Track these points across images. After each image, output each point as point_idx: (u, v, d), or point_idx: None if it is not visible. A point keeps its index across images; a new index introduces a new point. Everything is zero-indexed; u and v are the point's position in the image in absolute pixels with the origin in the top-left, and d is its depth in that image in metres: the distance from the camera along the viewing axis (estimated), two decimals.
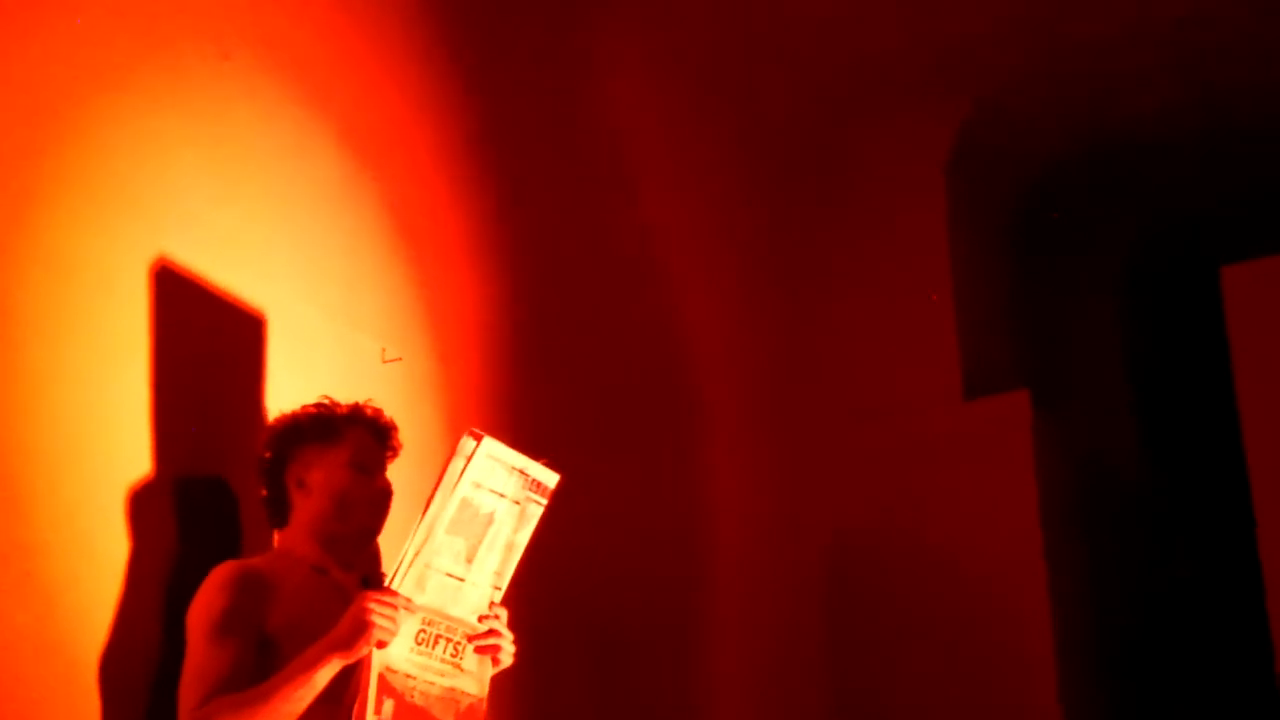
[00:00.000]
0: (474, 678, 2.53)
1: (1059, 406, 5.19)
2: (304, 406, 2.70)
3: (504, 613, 2.57)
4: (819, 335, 5.24)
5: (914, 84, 5.07)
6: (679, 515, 4.56)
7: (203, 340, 2.82)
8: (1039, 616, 4.69)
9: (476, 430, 2.45)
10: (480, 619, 2.52)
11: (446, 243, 3.72)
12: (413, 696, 2.40)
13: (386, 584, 2.38)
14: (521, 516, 2.56)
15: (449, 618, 2.47)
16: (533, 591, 2.60)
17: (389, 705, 2.36)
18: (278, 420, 2.72)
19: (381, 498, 2.65)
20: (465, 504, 2.44)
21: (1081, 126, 5.29)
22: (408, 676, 2.40)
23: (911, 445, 5.02)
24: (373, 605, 2.32)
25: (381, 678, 2.36)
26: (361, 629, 2.31)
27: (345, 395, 2.74)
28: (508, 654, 2.57)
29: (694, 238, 4.87)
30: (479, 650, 2.53)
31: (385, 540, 2.74)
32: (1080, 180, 5.52)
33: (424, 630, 2.43)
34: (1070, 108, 5.21)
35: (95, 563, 2.50)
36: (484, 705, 2.54)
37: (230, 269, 2.90)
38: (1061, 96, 5.14)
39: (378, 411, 2.71)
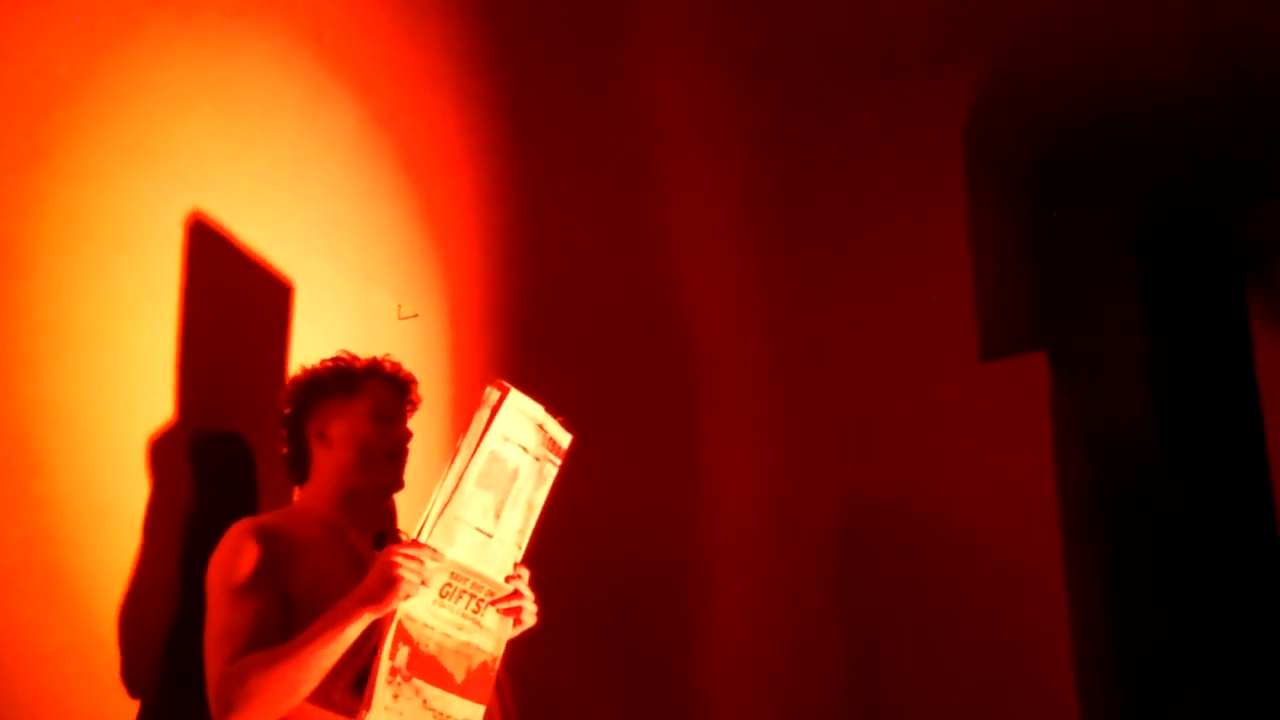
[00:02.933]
0: (492, 636, 2.52)
1: (1076, 369, 5.16)
2: (322, 361, 2.69)
3: (527, 573, 2.56)
4: (834, 299, 5.20)
5: (931, 46, 5.02)
6: (686, 484, 4.54)
7: (226, 298, 2.81)
8: (1053, 581, 4.66)
9: (502, 381, 2.42)
10: (506, 579, 2.52)
11: (459, 202, 3.70)
12: (427, 646, 2.40)
13: (415, 534, 2.36)
14: (540, 475, 2.54)
15: (476, 574, 2.46)
16: (535, 559, 2.59)
17: (404, 652, 2.36)
18: (297, 376, 2.71)
19: (402, 446, 2.65)
20: (494, 457, 2.42)
21: (1099, 87, 5.24)
22: (425, 626, 2.40)
23: (927, 408, 4.99)
24: (400, 559, 2.31)
25: (400, 624, 2.35)
26: (390, 583, 2.30)
27: (361, 351, 2.74)
28: (529, 615, 2.56)
29: (707, 204, 4.84)
30: (503, 611, 2.52)
31: (405, 498, 2.73)
32: (1098, 141, 5.47)
33: (450, 584, 2.42)
34: (1088, 68, 5.16)
35: (112, 517, 2.49)
36: (496, 665, 2.53)
37: (246, 224, 2.88)
38: (1079, 56, 5.09)
39: (396, 365, 2.71)
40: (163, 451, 2.59)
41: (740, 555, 4.68)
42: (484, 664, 2.50)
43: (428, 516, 2.36)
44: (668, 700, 4.26)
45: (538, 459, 2.51)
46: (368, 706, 2.31)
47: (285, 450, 2.67)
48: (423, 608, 2.38)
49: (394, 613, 2.34)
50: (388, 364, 2.70)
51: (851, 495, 5.03)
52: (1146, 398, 5.63)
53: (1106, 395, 5.49)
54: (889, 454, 5.02)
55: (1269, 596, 4.20)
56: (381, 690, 2.32)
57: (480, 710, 2.49)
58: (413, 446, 2.70)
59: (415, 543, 2.35)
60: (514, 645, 2.58)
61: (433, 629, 2.40)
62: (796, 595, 4.87)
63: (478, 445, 2.39)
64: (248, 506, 2.74)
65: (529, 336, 3.77)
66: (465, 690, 2.46)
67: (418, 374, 2.77)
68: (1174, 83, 5.09)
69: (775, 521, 4.88)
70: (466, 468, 2.38)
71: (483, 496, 2.43)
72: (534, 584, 2.58)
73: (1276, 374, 4.27)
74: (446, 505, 2.37)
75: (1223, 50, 4.94)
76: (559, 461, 2.57)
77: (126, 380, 2.56)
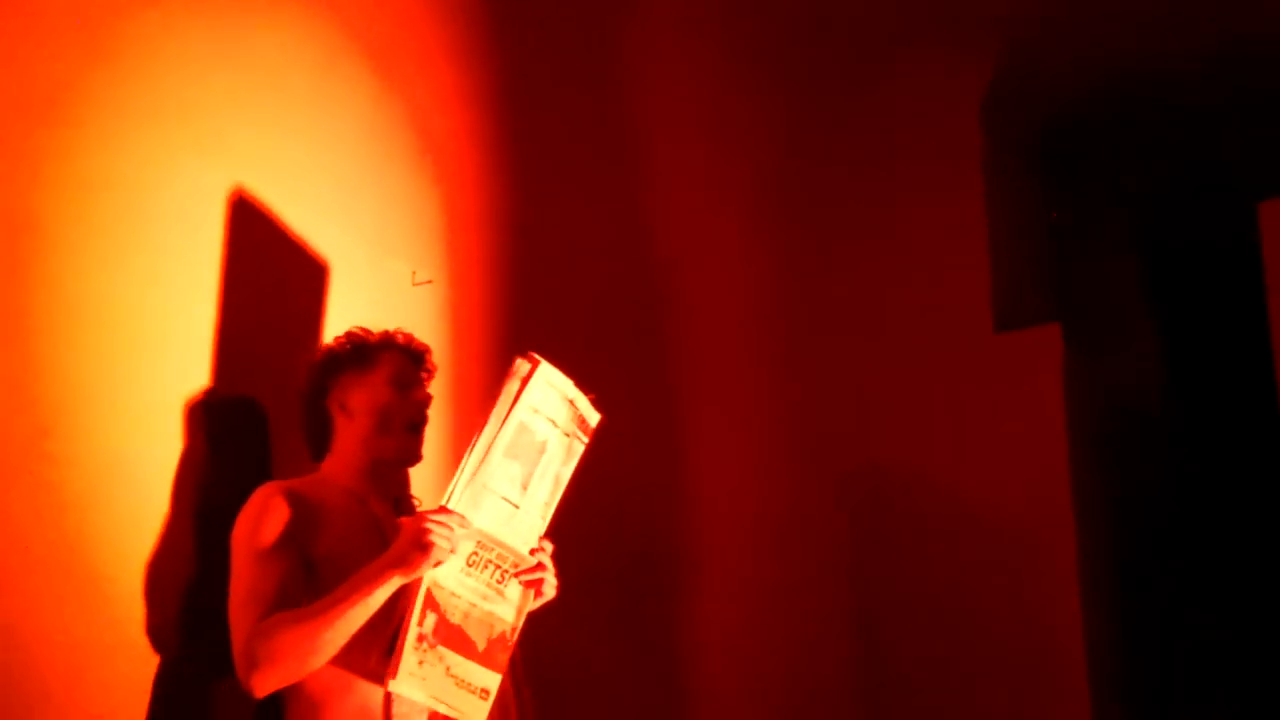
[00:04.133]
0: (513, 606, 2.55)
1: (1089, 342, 5.14)
2: (336, 338, 2.74)
3: (550, 546, 2.60)
4: (846, 273, 5.17)
5: (948, 17, 4.99)
6: (690, 461, 4.53)
7: (251, 269, 2.83)
8: (1065, 554, 4.66)
9: (533, 354, 2.45)
10: (531, 552, 2.55)
11: (468, 173, 3.71)
12: (453, 614, 2.42)
13: (443, 501, 2.38)
14: (568, 451, 2.57)
15: (501, 544, 2.49)
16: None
17: (431, 619, 2.39)
18: (314, 354, 2.75)
19: (422, 412, 2.68)
20: (523, 428, 2.44)
21: (1117, 58, 5.20)
22: (453, 595, 2.42)
23: (940, 381, 4.97)
24: (431, 525, 2.33)
25: (429, 591, 2.38)
26: (421, 548, 2.33)
27: (375, 318, 2.81)
28: (550, 588, 2.60)
29: (714, 176, 4.81)
30: (525, 583, 2.55)
31: (421, 468, 2.74)
32: (1112, 114, 5.44)
33: (476, 553, 2.45)
34: (1103, 41, 5.12)
35: (128, 479, 2.52)
36: (515, 635, 2.56)
37: (260, 190, 2.89)
38: (1098, 26, 5.05)
39: (409, 336, 2.75)
40: (181, 414, 2.62)
41: (744, 533, 4.67)
42: (503, 634, 2.53)
43: (456, 483, 2.38)
44: (667, 676, 4.27)
45: (567, 434, 2.54)
46: (394, 672, 2.33)
47: (305, 427, 2.71)
48: (451, 575, 2.41)
49: (422, 579, 2.36)
50: (400, 335, 2.74)
51: (862, 469, 5.02)
52: (1160, 371, 5.62)
53: (1120, 368, 5.47)
54: (899, 428, 5.00)
55: (1272, 565, 4.22)
56: (409, 656, 2.35)
57: (498, 679, 2.52)
58: (430, 416, 2.72)
59: (445, 509, 2.37)
60: (528, 618, 2.60)
61: (459, 597, 2.43)
62: (803, 572, 4.85)
63: (507, 415, 2.41)
64: (261, 470, 2.76)
65: (533, 311, 3.78)
66: (485, 659, 2.49)
67: (429, 342, 2.80)
68: (1192, 54, 5.05)
69: (783, 497, 4.86)
70: (495, 437, 2.40)
71: (510, 467, 2.45)
72: (555, 558, 2.60)
73: None
74: (475, 473, 2.39)
75: (1239, 23, 4.90)
76: (587, 439, 2.60)
77: (140, 350, 2.58)
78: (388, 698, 2.41)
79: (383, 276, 3.27)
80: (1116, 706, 4.76)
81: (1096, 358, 5.18)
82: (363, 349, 2.68)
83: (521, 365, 2.43)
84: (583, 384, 2.58)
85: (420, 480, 2.88)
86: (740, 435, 4.75)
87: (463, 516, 2.37)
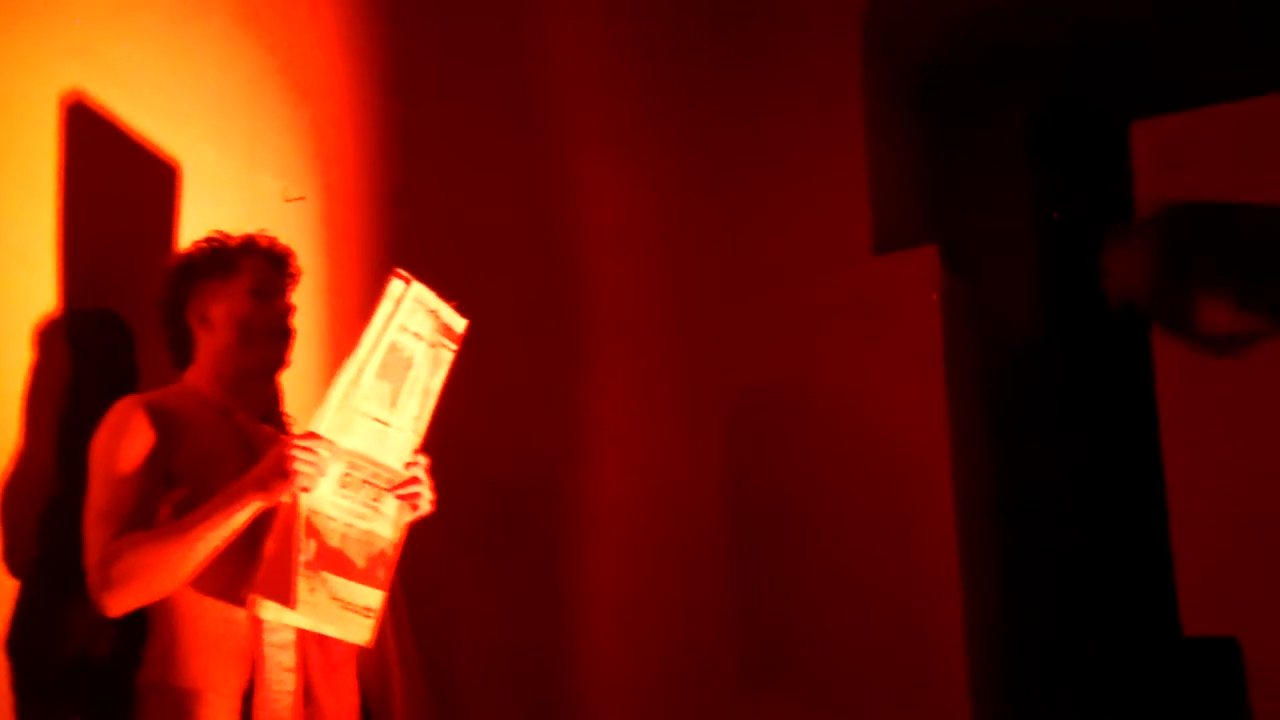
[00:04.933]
0: (390, 522, 2.52)
1: (968, 266, 5.19)
2: (196, 243, 2.65)
3: (424, 460, 2.55)
4: (732, 196, 5.16)
5: None
6: (571, 386, 4.50)
7: (107, 178, 2.73)
8: (940, 475, 4.72)
9: (403, 272, 2.40)
10: (406, 467, 2.51)
11: (342, 88, 3.62)
12: (332, 538, 2.39)
13: (311, 427, 2.33)
14: (435, 361, 2.53)
15: (374, 462, 2.45)
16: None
17: (311, 546, 2.34)
18: (172, 260, 2.66)
19: (283, 321, 2.61)
20: (393, 348, 2.40)
21: None
22: (329, 519, 2.38)
23: (820, 302, 4.99)
24: (295, 451, 2.28)
25: (307, 519, 2.33)
26: (283, 475, 2.28)
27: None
28: (426, 501, 2.55)
29: (605, 100, 4.76)
30: (401, 498, 2.51)
31: (297, 384, 2.68)
32: (992, 37, 5.47)
33: (349, 474, 2.41)
34: None
35: None
36: (395, 551, 2.53)
37: (129, 104, 2.80)
38: None
39: (272, 240, 2.67)
40: (40, 330, 2.53)
41: (628, 457, 4.67)
42: (383, 550, 2.50)
43: (325, 409, 2.34)
44: (547, 601, 4.26)
45: (433, 345, 2.51)
46: (292, 603, 2.29)
47: (164, 338, 2.63)
48: (325, 500, 2.37)
49: (300, 507, 2.31)
50: (263, 239, 2.65)
51: (745, 392, 5.03)
52: (1035, 292, 5.70)
53: (996, 292, 5.53)
54: (784, 343, 5.02)
55: (1149, 485, 4.30)
56: (299, 585, 2.30)
57: (381, 596, 2.49)
58: (303, 331, 2.68)
59: (311, 434, 2.31)
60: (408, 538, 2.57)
61: (335, 520, 2.39)
62: (688, 481, 4.88)
63: (380, 337, 2.38)
64: (127, 385, 2.68)
65: (413, 229, 3.71)
66: (366, 577, 2.46)
67: (301, 257, 2.72)
68: None
69: (666, 421, 4.86)
70: (367, 361, 2.36)
71: (381, 386, 2.42)
72: (431, 471, 2.56)
73: None
74: (345, 398, 2.35)
75: None
76: (455, 347, 2.57)
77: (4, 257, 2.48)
78: (254, 619, 2.36)
79: (253, 192, 3.18)
80: (995, 642, 4.85)
81: (974, 279, 5.23)
82: (222, 255, 2.60)
83: (395, 285, 2.39)
84: (466, 307, 2.54)
85: (297, 397, 2.82)
86: (625, 359, 4.73)
87: (331, 442, 2.32)
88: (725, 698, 4.77)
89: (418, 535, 2.61)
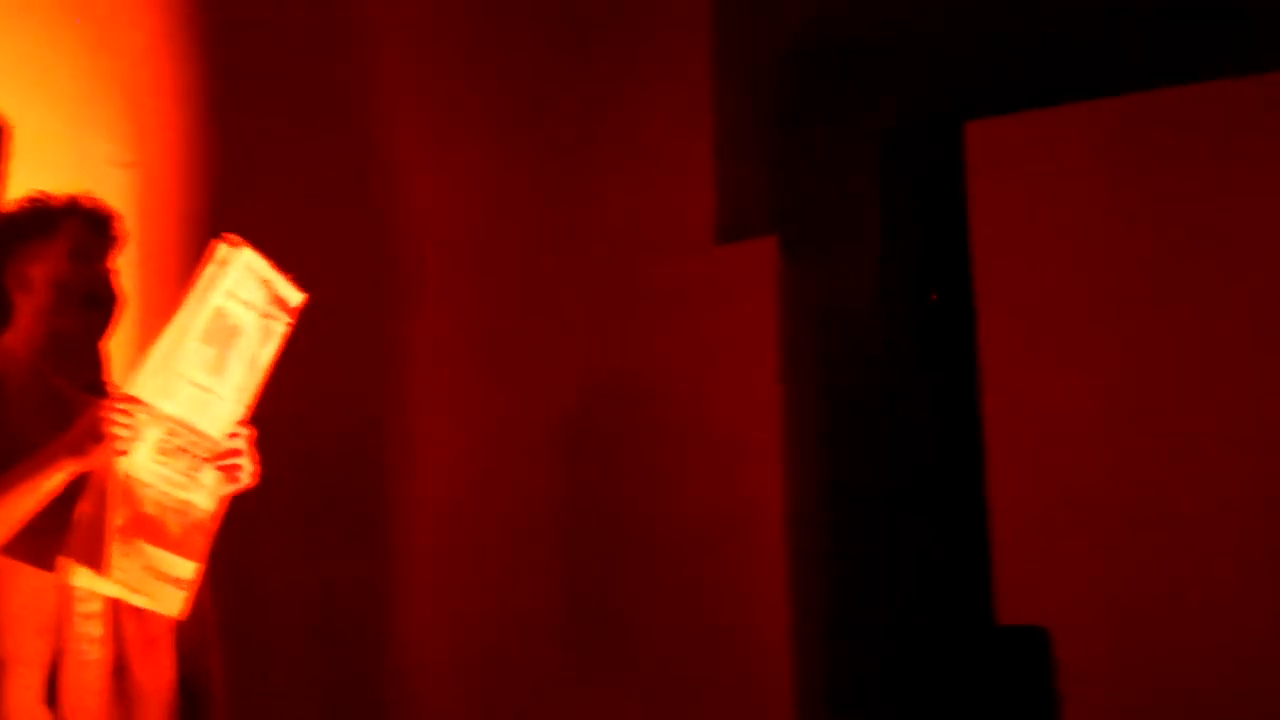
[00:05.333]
0: (208, 493, 2.49)
1: (810, 258, 5.25)
2: (17, 202, 2.60)
3: (248, 432, 2.52)
4: (570, 180, 5.13)
5: None
6: (399, 361, 4.48)
7: None
8: (771, 467, 4.76)
9: (232, 236, 2.37)
10: (229, 437, 2.47)
11: (166, 51, 3.57)
12: (146, 505, 2.35)
13: (129, 388, 2.30)
14: (266, 332, 2.50)
15: (195, 430, 2.42)
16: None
17: (125, 512, 2.30)
18: None
19: (105, 285, 2.57)
20: (220, 313, 2.37)
21: None
22: (145, 485, 2.34)
23: (658, 291, 5.00)
24: (111, 413, 2.24)
25: (122, 485, 2.29)
26: (96, 437, 2.24)
27: None
28: (247, 474, 2.52)
29: (427, 72, 4.72)
30: (220, 469, 2.48)
31: (126, 353, 2.64)
32: (846, 31, 5.52)
33: (167, 439, 2.37)
34: None
35: None
36: (212, 522, 2.50)
37: None
38: None
39: (96, 201, 2.61)
40: None
41: (459, 440, 4.66)
42: (200, 521, 2.46)
43: (143, 370, 2.31)
44: (369, 580, 4.25)
45: (265, 315, 2.47)
46: (105, 569, 2.25)
47: None
48: (141, 465, 2.33)
49: (116, 472, 2.27)
50: (86, 201, 2.60)
51: (585, 372, 5.03)
52: (875, 287, 5.78)
53: (838, 286, 5.60)
54: (617, 338, 5.02)
55: (968, 471, 4.44)
56: (112, 551, 2.26)
57: (196, 568, 2.45)
58: (131, 297, 2.66)
59: (128, 397, 2.27)
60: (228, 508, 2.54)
61: (151, 487, 2.35)
62: (514, 478, 4.85)
63: (203, 301, 2.34)
64: None
65: (242, 197, 3.67)
66: (181, 548, 2.42)
67: (135, 223, 2.70)
68: None
69: (501, 404, 4.85)
70: (190, 323, 2.33)
71: (205, 351, 2.38)
72: (255, 443, 2.53)
73: (993, 276, 4.46)
74: (166, 360, 2.32)
75: None
76: (287, 319, 2.53)
77: None
78: (62, 587, 2.32)
79: (81, 156, 3.12)
80: (821, 629, 4.93)
81: (812, 271, 5.30)
82: (43, 215, 2.54)
83: (220, 249, 2.36)
84: (300, 281, 2.51)
85: (126, 368, 2.78)
86: (458, 342, 4.71)
87: (148, 405, 2.29)
88: (547, 681, 4.78)
89: (237, 508, 2.59)
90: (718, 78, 5.09)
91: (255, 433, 2.53)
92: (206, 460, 2.45)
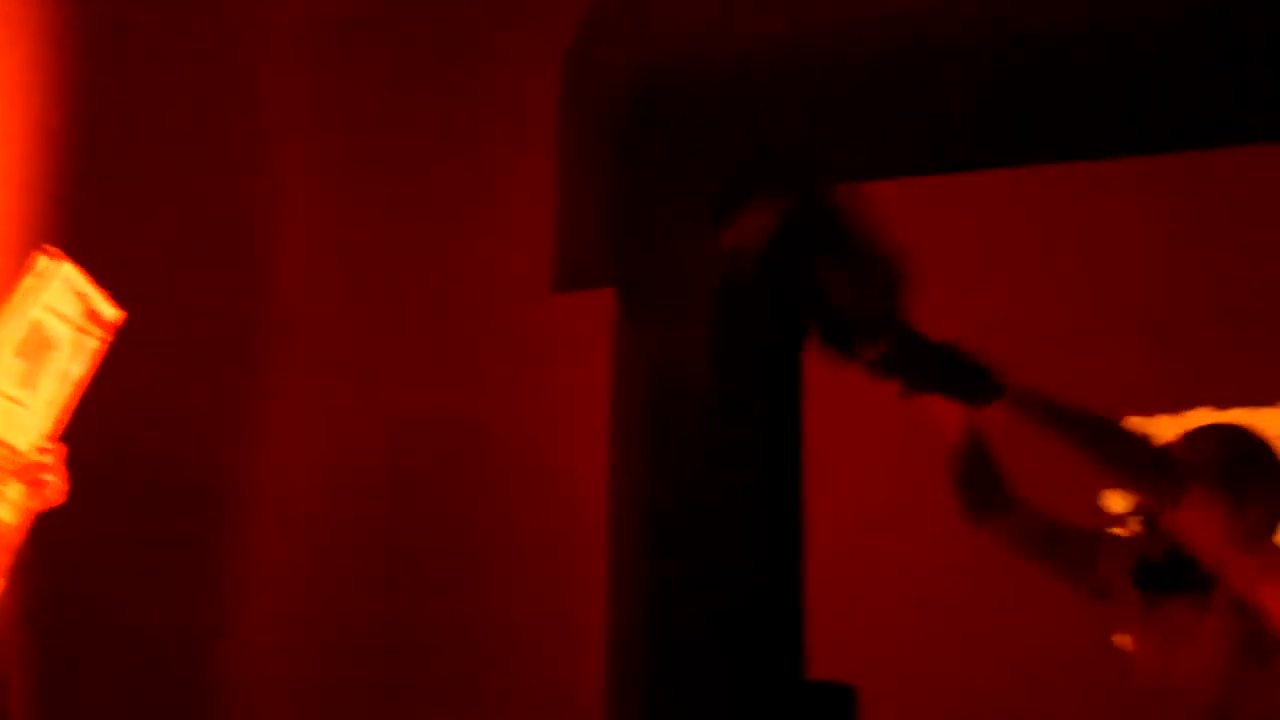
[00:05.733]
0: (12, 506, 2.43)
1: (648, 314, 5.30)
2: None
3: (57, 448, 2.47)
4: (413, 224, 5.14)
5: None
6: (242, 386, 4.47)
7: None
8: (595, 517, 4.83)
9: (52, 248, 2.35)
10: (39, 452, 2.42)
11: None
12: None
13: None
14: (79, 347, 2.47)
15: (2, 443, 2.36)
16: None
17: None
18: None
19: None
20: (36, 326, 2.35)
21: (701, 34, 5.33)
22: None
23: (494, 337, 5.03)
24: None
25: None
26: None
27: None
28: (54, 490, 2.46)
29: (276, 114, 4.73)
30: (25, 482, 2.42)
31: None
32: (694, 91, 5.58)
33: None
34: (688, 11, 5.24)
35: None
36: (14, 536, 2.43)
37: None
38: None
39: None
40: None
41: (295, 476, 4.65)
42: (1, 535, 2.41)
43: None
44: (195, 608, 4.21)
45: (79, 330, 2.45)
46: None
47: None
48: None
49: None
50: None
51: (409, 426, 5.00)
52: (707, 343, 5.86)
53: (672, 343, 5.67)
54: (451, 382, 5.03)
55: (785, 529, 4.55)
56: None
57: None
58: None
59: None
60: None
61: None
62: (349, 509, 4.85)
63: (21, 313, 2.32)
64: None
65: (80, 214, 3.62)
66: None
67: None
68: (777, 36, 5.22)
69: (335, 442, 4.85)
70: (5, 334, 2.30)
71: (17, 364, 2.35)
72: (67, 460, 2.49)
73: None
74: None
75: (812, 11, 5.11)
76: (103, 335, 2.50)
77: None
78: None
79: None
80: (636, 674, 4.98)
81: (652, 329, 5.36)
82: None
83: (40, 261, 2.34)
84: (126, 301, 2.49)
85: None
86: (302, 373, 4.71)
87: None
88: (373, 701, 4.76)
89: (61, 524, 2.56)
90: (566, 120, 5.14)
91: (66, 449, 2.50)
92: (12, 474, 2.42)
